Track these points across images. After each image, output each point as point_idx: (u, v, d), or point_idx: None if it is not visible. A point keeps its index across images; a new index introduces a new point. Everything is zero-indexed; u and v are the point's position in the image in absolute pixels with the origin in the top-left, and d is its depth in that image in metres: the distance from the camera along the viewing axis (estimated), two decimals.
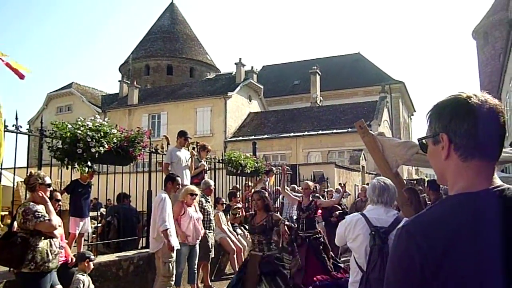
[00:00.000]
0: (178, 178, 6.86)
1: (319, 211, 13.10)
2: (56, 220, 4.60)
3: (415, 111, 49.02)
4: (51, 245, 4.59)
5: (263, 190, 6.39)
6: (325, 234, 11.01)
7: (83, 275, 5.24)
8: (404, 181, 10.70)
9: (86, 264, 5.29)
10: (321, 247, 7.50)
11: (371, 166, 23.29)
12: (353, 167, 22.97)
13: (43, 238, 4.51)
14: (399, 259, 1.23)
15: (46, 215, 4.51)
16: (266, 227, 5.85)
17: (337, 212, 10.77)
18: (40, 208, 4.53)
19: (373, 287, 3.49)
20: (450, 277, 1.14)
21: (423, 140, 1.40)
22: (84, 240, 7.82)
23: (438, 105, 1.34)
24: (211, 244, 7.87)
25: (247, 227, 10.39)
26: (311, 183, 8.20)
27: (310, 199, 7.83)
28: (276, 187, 13.98)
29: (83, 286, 5.13)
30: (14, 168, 5.86)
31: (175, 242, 6.39)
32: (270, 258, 5.82)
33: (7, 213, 9.81)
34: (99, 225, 8.53)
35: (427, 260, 1.16)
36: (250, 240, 6.19)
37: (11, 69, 4.72)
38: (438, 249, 1.15)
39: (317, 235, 7.55)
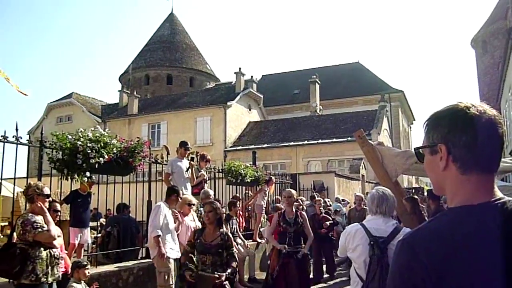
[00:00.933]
0: (180, 191, 6.87)
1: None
2: (55, 230, 4.60)
3: (414, 120, 49.10)
4: (51, 256, 4.58)
5: (215, 201, 5.36)
6: (315, 247, 10.49)
7: (78, 283, 5.22)
8: (404, 190, 10.65)
9: (82, 272, 5.27)
10: (308, 263, 7.03)
11: (371, 175, 23.27)
12: (353, 176, 22.96)
13: (42, 249, 4.51)
14: (400, 272, 1.22)
15: (45, 225, 4.51)
16: (222, 247, 4.95)
17: (327, 223, 10.33)
18: (39, 219, 4.53)
19: None
20: None
21: (420, 150, 1.38)
22: (84, 250, 7.81)
23: (435, 115, 1.32)
24: None
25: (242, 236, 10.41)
26: (293, 191, 7.33)
27: (295, 209, 7.02)
28: (276, 196, 13.98)
29: None
30: (14, 178, 5.87)
31: (169, 251, 6.30)
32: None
33: (7, 223, 9.80)
34: (99, 235, 8.51)
35: (428, 274, 1.15)
36: (200, 259, 5.05)
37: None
38: (439, 262, 1.15)
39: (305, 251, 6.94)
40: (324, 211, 10.88)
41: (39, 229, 4.43)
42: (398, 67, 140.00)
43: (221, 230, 5.03)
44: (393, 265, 1.27)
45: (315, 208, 10.99)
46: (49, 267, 4.54)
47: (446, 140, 1.26)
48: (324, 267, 10.48)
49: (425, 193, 16.22)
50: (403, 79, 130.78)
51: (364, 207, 10.14)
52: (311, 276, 9.60)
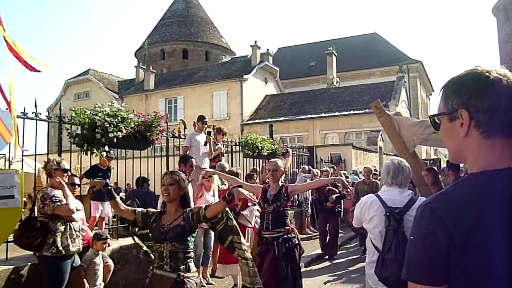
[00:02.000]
0: (192, 159, 6.90)
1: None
2: (73, 204, 4.69)
3: (433, 91, 48.34)
4: (70, 228, 4.69)
5: (178, 172, 3.86)
6: (319, 221, 10.49)
7: (96, 254, 5.36)
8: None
9: (100, 244, 5.41)
10: (295, 251, 5.34)
11: (389, 147, 23.10)
12: (371, 148, 22.84)
13: (62, 222, 4.62)
14: (422, 237, 1.19)
15: (63, 199, 4.61)
16: (185, 230, 3.58)
17: (333, 196, 9.77)
18: (58, 193, 4.63)
19: (388, 267, 3.51)
20: (477, 255, 1.12)
21: (436, 118, 1.35)
22: (105, 223, 7.96)
23: (455, 80, 1.29)
24: None
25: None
26: (280, 162, 5.70)
27: (280, 183, 5.52)
28: (294, 169, 14.03)
29: (95, 265, 5.26)
30: (35, 154, 5.97)
31: None
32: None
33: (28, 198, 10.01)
34: None
35: (452, 238, 1.13)
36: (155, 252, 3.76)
37: (21, 62, 4.77)
38: (464, 227, 1.13)
39: (290, 235, 5.30)
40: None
41: (58, 203, 4.53)
42: (417, 37, 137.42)
43: (186, 209, 3.67)
44: (414, 232, 1.24)
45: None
46: (69, 240, 4.66)
47: (468, 105, 1.23)
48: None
49: (444, 164, 16.06)
50: (422, 49, 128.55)
51: (373, 179, 9.93)
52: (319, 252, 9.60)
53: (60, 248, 4.56)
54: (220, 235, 3.87)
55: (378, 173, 11.90)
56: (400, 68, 32.16)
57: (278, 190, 5.35)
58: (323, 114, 29.32)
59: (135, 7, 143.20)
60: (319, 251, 9.95)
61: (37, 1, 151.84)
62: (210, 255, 7.41)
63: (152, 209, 3.89)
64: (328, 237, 9.93)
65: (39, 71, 4.90)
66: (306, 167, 13.35)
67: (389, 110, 21.85)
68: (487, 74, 1.23)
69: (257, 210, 7.05)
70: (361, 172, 15.20)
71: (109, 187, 3.85)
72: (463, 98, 1.24)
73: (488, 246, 1.11)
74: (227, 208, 3.82)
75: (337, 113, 28.85)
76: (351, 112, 28.15)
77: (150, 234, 3.76)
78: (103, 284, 5.46)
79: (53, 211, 4.53)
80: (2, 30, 4.62)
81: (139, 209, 3.79)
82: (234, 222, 3.92)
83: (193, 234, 3.69)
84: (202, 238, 7.18)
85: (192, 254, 3.66)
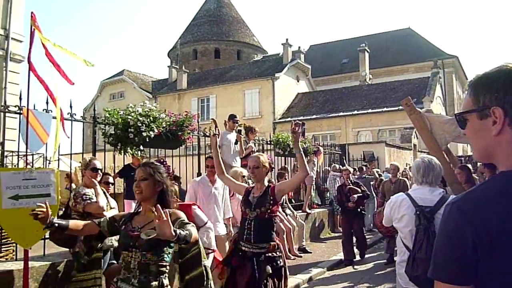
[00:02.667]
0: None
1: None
2: (104, 201, 4.76)
3: None
4: None
5: (156, 164, 3.17)
6: (342, 222, 9.73)
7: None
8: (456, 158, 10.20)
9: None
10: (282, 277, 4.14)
11: (423, 144, 22.65)
12: (404, 146, 22.48)
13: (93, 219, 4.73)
14: (449, 237, 1.17)
15: (94, 197, 4.72)
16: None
17: (355, 196, 9.04)
18: (89, 191, 4.75)
19: (419, 266, 3.47)
20: (505, 254, 1.09)
21: (463, 116, 1.30)
22: None
23: (485, 76, 1.26)
24: None
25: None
26: (264, 157, 4.52)
27: (266, 183, 4.42)
28: (325, 167, 13.95)
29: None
30: (71, 154, 6.15)
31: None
32: None
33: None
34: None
35: (480, 237, 1.10)
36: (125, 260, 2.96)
37: (57, 69, 4.91)
38: (493, 225, 1.10)
39: (274, 253, 4.13)
40: (353, 181, 9.63)
41: (88, 201, 4.65)
42: (452, 31, 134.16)
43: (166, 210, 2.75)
44: (441, 231, 1.23)
45: (343, 178, 9.81)
46: None
47: (502, 102, 1.19)
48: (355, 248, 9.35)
49: (479, 162, 15.63)
50: (458, 43, 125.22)
51: (400, 177, 9.50)
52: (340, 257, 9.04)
53: (92, 244, 4.68)
54: (186, 265, 3.51)
55: (408, 170, 11.68)
56: (434, 63, 31.52)
57: (263, 192, 4.27)
58: (355, 112, 29.04)
59: (167, 8, 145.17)
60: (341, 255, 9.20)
61: (73, 4, 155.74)
62: None
63: (121, 213, 3.46)
64: (355, 239, 9.35)
65: (72, 83, 5.04)
66: (337, 165, 13.26)
67: (424, 107, 21.48)
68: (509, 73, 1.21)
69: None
70: None
71: (54, 224, 2.99)
72: (496, 95, 1.20)
73: None
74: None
75: (370, 110, 28.52)
76: (384, 109, 27.77)
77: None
78: None
79: (83, 209, 4.65)
80: (39, 34, 4.76)
81: (103, 218, 3.20)
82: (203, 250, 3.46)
83: (172, 245, 2.91)
84: None
85: (167, 269, 2.94)
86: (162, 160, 5.89)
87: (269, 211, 4.17)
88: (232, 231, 6.49)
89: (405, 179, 9.51)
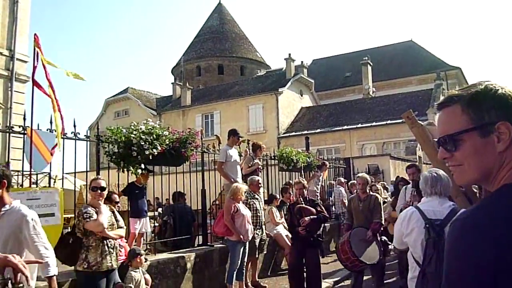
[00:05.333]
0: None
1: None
2: (105, 220, 4.76)
3: None
4: (103, 245, 4.78)
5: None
6: (290, 253, 7.64)
7: (135, 271, 5.45)
8: None
9: (139, 260, 5.51)
10: None
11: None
12: (410, 158, 22.40)
13: (95, 238, 4.73)
14: (466, 255, 1.08)
15: (94, 215, 4.72)
16: None
17: (306, 219, 6.80)
18: (90, 209, 4.76)
19: (430, 281, 3.42)
20: None
21: (459, 136, 1.22)
22: (143, 239, 8.10)
23: (483, 93, 1.21)
24: (258, 241, 7.84)
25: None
26: None
27: None
28: (330, 181, 13.91)
29: (135, 282, 5.35)
30: (75, 172, 6.18)
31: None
32: None
33: (72, 215, 10.33)
34: (157, 224, 8.81)
35: (502, 254, 1.03)
36: None
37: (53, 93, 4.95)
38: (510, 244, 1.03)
39: None
40: (307, 198, 7.39)
41: (88, 219, 4.66)
42: (455, 42, 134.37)
43: None
44: (454, 249, 1.14)
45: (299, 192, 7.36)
46: (102, 256, 4.74)
47: (509, 117, 1.16)
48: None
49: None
50: (461, 55, 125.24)
51: (371, 193, 7.45)
52: None
53: (92, 263, 4.68)
54: None
55: (379, 185, 11.09)
56: (437, 75, 31.53)
57: None
58: (359, 125, 29.04)
59: (170, 25, 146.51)
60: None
61: (76, 24, 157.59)
62: (244, 270, 7.41)
63: None
64: (305, 275, 7.14)
65: (60, 110, 5.08)
66: (342, 179, 13.21)
67: (427, 119, 21.42)
68: (502, 88, 1.22)
69: None
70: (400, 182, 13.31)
71: None
72: (503, 109, 1.17)
73: None
74: None
75: (374, 123, 28.52)
76: (388, 121, 27.76)
77: None
78: None
79: (84, 226, 4.67)
80: (41, 55, 4.82)
81: None
82: None
83: None
84: (241, 252, 7.15)
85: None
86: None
87: None
88: None
89: (377, 195, 7.61)
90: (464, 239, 1.10)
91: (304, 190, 7.35)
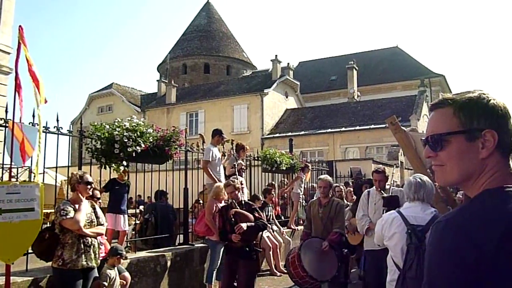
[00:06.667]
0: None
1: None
2: (82, 218, 4.71)
3: None
4: (79, 242, 4.71)
5: None
6: (225, 266, 6.21)
7: (110, 269, 5.38)
8: None
9: (116, 260, 5.45)
10: None
11: None
12: (392, 163, 22.60)
13: (72, 235, 4.67)
14: (449, 254, 1.12)
15: (71, 213, 4.67)
16: None
17: (243, 225, 5.66)
18: (68, 206, 4.71)
19: (409, 286, 3.47)
20: (507, 268, 1.05)
21: (446, 136, 1.26)
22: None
23: (476, 100, 1.26)
24: None
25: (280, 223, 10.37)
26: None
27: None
28: (312, 184, 13.96)
29: (109, 280, 5.27)
30: (56, 167, 6.10)
31: None
32: None
33: (52, 211, 10.21)
34: (138, 222, 8.76)
35: (482, 253, 1.07)
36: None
37: (36, 85, 4.82)
38: (493, 240, 1.07)
39: None
40: (243, 201, 6.19)
41: (64, 216, 4.61)
42: (439, 50, 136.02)
43: None
44: (436, 250, 1.17)
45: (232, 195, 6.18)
46: (77, 254, 4.68)
47: (496, 126, 1.22)
48: None
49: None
50: (444, 62, 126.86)
51: (334, 198, 6.77)
52: None
53: (67, 261, 4.62)
54: None
55: (344, 186, 10.47)
56: (421, 82, 31.89)
57: None
58: (343, 129, 29.20)
59: (158, 22, 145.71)
60: None
61: (61, 16, 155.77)
62: None
63: None
64: None
65: (46, 102, 4.96)
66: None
67: (410, 125, 21.66)
68: (492, 97, 1.26)
69: None
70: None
71: None
72: (490, 118, 1.23)
73: None
74: None
75: (357, 127, 28.71)
76: (372, 126, 27.96)
77: None
78: None
79: (60, 223, 4.61)
80: (25, 50, 4.74)
81: None
82: None
83: None
84: (221, 252, 7.15)
85: None
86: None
87: None
88: None
89: (340, 200, 6.92)
90: (445, 240, 1.14)
91: (238, 193, 6.16)
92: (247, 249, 5.79)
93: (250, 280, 5.89)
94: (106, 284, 5.20)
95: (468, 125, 1.24)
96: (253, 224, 5.80)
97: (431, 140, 1.32)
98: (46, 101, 4.90)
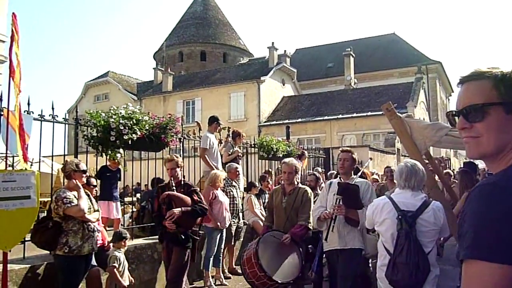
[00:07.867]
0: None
1: None
2: (85, 205, 4.78)
3: (453, 92, 47.67)
4: (84, 229, 4.78)
5: None
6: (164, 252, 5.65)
7: (119, 251, 5.53)
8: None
9: (123, 243, 5.60)
10: None
11: None
12: (388, 150, 22.68)
13: (75, 222, 4.72)
14: (499, 216, 1.09)
15: (75, 200, 4.70)
16: None
17: (175, 211, 5.21)
18: (70, 194, 4.74)
19: (400, 271, 3.51)
20: None
21: (485, 107, 1.26)
22: (120, 224, 8.09)
23: None
24: (234, 229, 7.89)
25: None
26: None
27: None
28: (309, 171, 14.00)
29: (118, 261, 5.43)
30: (52, 156, 6.11)
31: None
32: None
33: (48, 199, 10.21)
34: (135, 210, 8.78)
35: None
36: None
37: (16, 85, 4.74)
38: None
39: None
40: (183, 182, 5.63)
41: (68, 204, 4.64)
42: (436, 37, 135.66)
43: None
44: (484, 213, 1.13)
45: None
46: (83, 240, 4.76)
47: None
48: None
49: (459, 165, 15.58)
50: (441, 49, 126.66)
51: (299, 185, 5.58)
52: None
53: (73, 247, 4.66)
54: None
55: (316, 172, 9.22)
56: (418, 69, 31.87)
57: None
58: (340, 116, 29.21)
59: (153, 9, 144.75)
60: None
61: (57, 5, 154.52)
62: (221, 257, 7.47)
63: None
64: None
65: (20, 91, 4.85)
66: (319, 169, 13.29)
67: (407, 111, 21.68)
68: None
69: None
70: (376, 174, 12.47)
71: None
72: None
73: None
74: None
75: (354, 115, 28.72)
76: (369, 113, 27.97)
77: None
78: (128, 281, 5.55)
79: (64, 212, 4.64)
80: (15, 36, 4.71)
81: None
82: None
83: None
84: (218, 239, 7.21)
85: None
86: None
87: None
88: None
89: (306, 188, 5.63)
90: (494, 202, 1.12)
91: (179, 171, 5.54)
92: (182, 236, 5.26)
93: (179, 270, 5.35)
94: (116, 265, 5.35)
95: (508, 97, 1.25)
96: (189, 209, 5.26)
97: (467, 112, 1.31)
98: (20, 91, 4.82)
